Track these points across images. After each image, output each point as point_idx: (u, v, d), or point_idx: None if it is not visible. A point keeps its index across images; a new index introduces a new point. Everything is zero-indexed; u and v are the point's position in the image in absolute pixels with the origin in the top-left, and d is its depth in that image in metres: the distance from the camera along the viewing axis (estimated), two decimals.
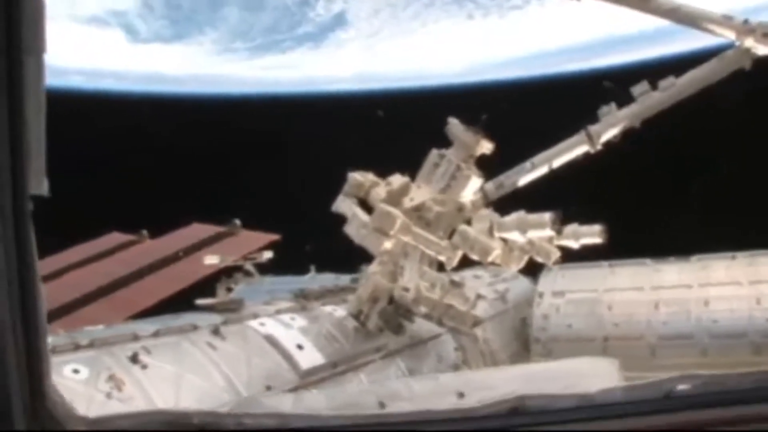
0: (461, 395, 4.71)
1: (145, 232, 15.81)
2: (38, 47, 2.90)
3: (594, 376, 5.10)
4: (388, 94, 29.00)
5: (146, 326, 6.83)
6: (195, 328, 6.98)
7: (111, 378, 5.61)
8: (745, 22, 7.83)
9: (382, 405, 4.57)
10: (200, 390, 6.13)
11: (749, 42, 7.80)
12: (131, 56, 31.75)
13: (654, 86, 8.30)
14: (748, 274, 10.68)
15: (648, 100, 8.28)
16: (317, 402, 4.89)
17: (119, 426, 3.44)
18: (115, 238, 15.88)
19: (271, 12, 33.33)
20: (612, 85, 8.66)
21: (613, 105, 8.41)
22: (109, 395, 5.46)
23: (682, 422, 3.02)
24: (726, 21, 7.93)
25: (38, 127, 2.94)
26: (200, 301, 8.39)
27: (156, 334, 6.59)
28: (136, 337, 6.36)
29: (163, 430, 3.32)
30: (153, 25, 32.18)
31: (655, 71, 8.57)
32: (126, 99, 29.71)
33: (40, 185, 2.98)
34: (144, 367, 5.95)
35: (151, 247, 15.18)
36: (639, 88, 8.33)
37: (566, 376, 5.00)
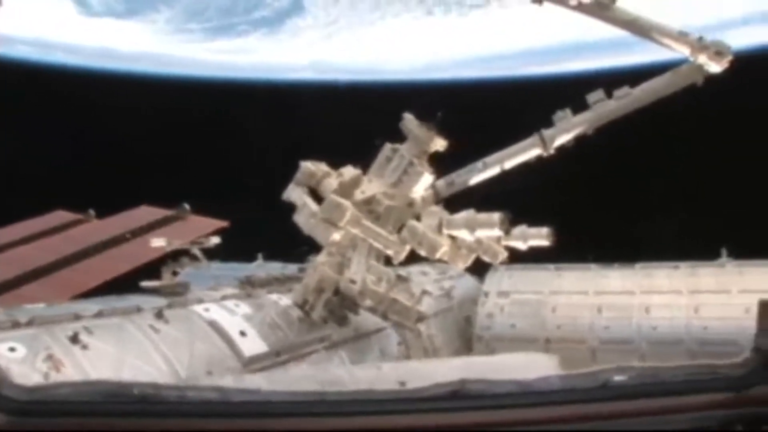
0: (402, 384, 4.75)
1: (92, 211, 15.58)
2: None
3: (533, 369, 5.18)
4: (347, 85, 28.89)
5: (89, 306, 6.75)
6: (139, 310, 6.91)
7: (49, 357, 5.50)
8: (700, 39, 7.99)
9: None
10: (141, 373, 6.04)
11: (702, 59, 7.97)
12: (82, 29, 30.96)
13: (609, 95, 8.43)
14: (688, 284, 10.91)
15: (602, 108, 8.39)
16: (258, 385, 4.89)
17: (59, 395, 3.41)
18: (61, 216, 15.60)
19: None
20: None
21: (568, 110, 8.51)
22: (46, 375, 5.34)
23: (617, 410, 3.10)
24: (681, 37, 8.07)
25: None
26: (145, 284, 8.31)
27: (98, 315, 6.51)
28: (77, 317, 6.26)
29: (104, 400, 3.30)
30: None
31: (610, 80, 8.70)
32: (76, 74, 29.02)
33: None
34: (84, 347, 5.85)
35: (97, 227, 14.95)
36: (594, 96, 8.44)
37: (507, 369, 5.07)
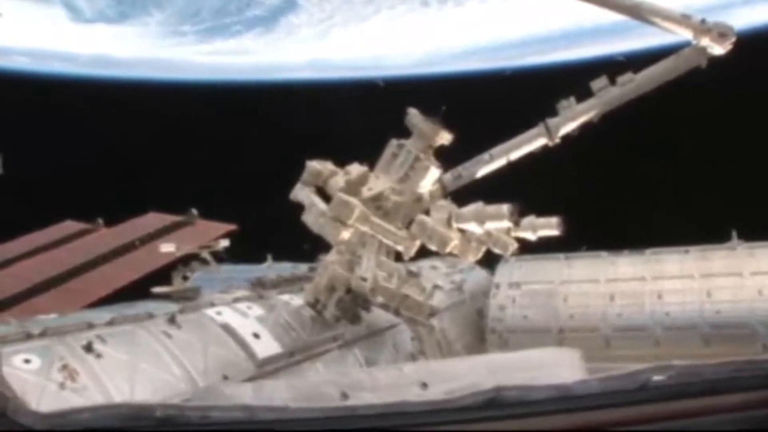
0: (424, 385, 4.71)
1: (100, 220, 15.58)
2: None
3: (557, 366, 5.13)
4: (345, 83, 28.81)
5: (101, 315, 6.73)
6: (151, 316, 6.90)
7: (64, 368, 5.50)
8: (703, 21, 7.94)
9: (344, 395, 4.55)
10: (156, 379, 6.06)
11: (705, 41, 7.92)
12: (75, 37, 30.72)
13: (613, 81, 8.39)
14: (699, 268, 10.89)
15: (606, 95, 8.36)
16: (278, 391, 4.85)
17: (78, 421, 3.32)
18: (69, 226, 15.60)
19: None
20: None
21: (572, 99, 8.48)
22: (62, 385, 5.35)
23: (658, 413, 3.05)
24: (684, 20, 8.03)
25: None
26: (156, 290, 8.31)
27: (111, 323, 6.50)
28: (90, 326, 6.25)
29: (125, 425, 3.23)
30: (96, 3, 31.12)
31: (614, 66, 8.66)
32: (74, 82, 28.91)
33: None
34: (98, 356, 5.85)
35: (106, 236, 14.95)
36: (598, 83, 8.41)
37: (530, 367, 5.02)
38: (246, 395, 4.69)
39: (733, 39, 7.90)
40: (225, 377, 6.61)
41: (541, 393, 3.19)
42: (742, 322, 10.09)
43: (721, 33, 7.87)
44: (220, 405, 3.57)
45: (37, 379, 5.27)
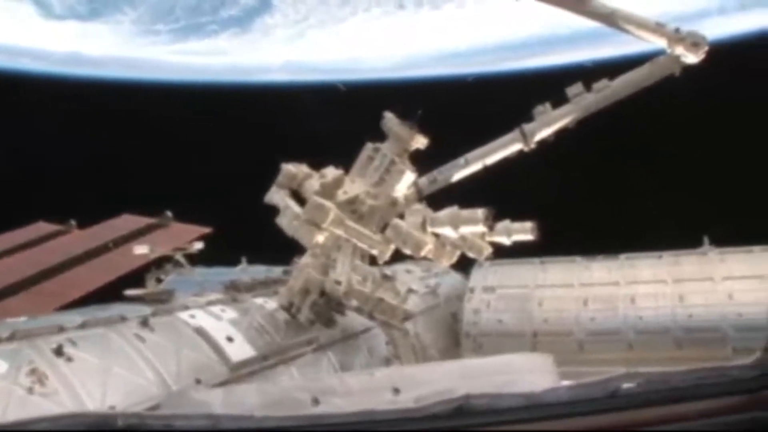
0: (397, 391, 4.70)
1: (73, 222, 15.44)
2: None
3: (530, 371, 5.13)
4: (321, 85, 28.73)
5: (72, 318, 6.64)
6: (123, 319, 6.82)
7: (33, 372, 5.40)
8: (676, 30, 8.02)
9: (315, 401, 4.53)
10: (128, 383, 5.98)
11: (679, 50, 8.00)
12: (46, 34, 30.23)
13: (588, 88, 8.44)
14: (672, 273, 11.04)
15: (582, 101, 8.41)
16: (248, 397, 4.82)
17: (37, 429, 3.27)
18: (41, 228, 15.44)
19: None
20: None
21: (548, 105, 8.52)
22: (30, 390, 5.24)
23: (627, 421, 3.05)
24: (658, 29, 8.10)
25: None
26: (129, 292, 8.24)
27: (82, 326, 6.40)
28: (61, 329, 6.15)
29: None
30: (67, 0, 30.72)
31: (590, 72, 8.71)
32: (45, 80, 28.48)
33: None
34: (69, 359, 5.75)
35: (79, 238, 14.81)
36: (573, 90, 8.46)
37: (502, 372, 5.02)
38: (216, 401, 4.65)
39: (706, 48, 7.99)
40: (198, 381, 6.56)
41: (510, 401, 3.18)
42: (714, 326, 10.24)
43: (694, 42, 7.95)
44: (184, 414, 3.52)
45: (4, 383, 5.16)
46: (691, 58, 8.01)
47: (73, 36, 30.61)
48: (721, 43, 9.19)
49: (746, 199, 18.07)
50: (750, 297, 10.24)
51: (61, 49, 30.17)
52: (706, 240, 11.49)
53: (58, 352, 5.76)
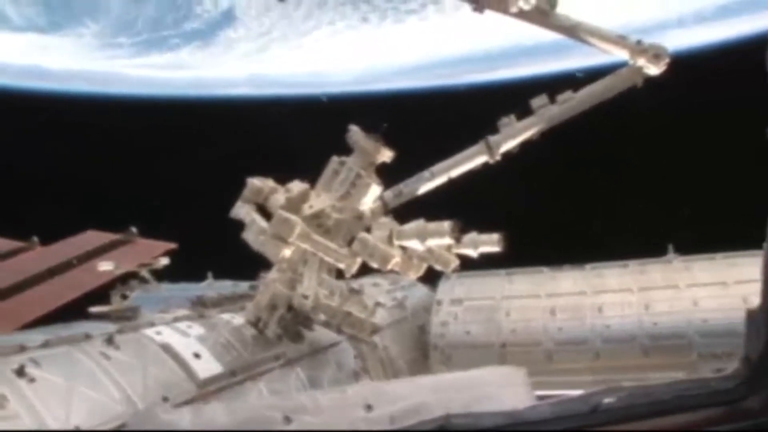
0: (369, 407, 4.67)
1: (35, 238, 15.23)
2: None
3: (503, 385, 5.12)
4: (285, 99, 28.66)
5: (35, 337, 6.51)
6: (88, 337, 6.70)
7: None
8: (638, 43, 8.12)
9: (287, 419, 4.49)
10: (93, 403, 5.87)
11: (641, 62, 8.10)
12: (4, 46, 29.68)
13: (552, 99, 8.50)
14: (638, 281, 11.16)
15: (546, 113, 8.47)
16: (218, 416, 4.76)
17: None
18: (2, 244, 15.21)
19: (155, 4, 31.53)
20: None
21: (512, 116, 8.56)
22: None
23: None
24: (620, 41, 8.19)
25: None
26: (94, 309, 8.13)
27: (45, 345, 6.28)
28: (22, 349, 6.02)
29: None
30: (25, 11, 30.10)
31: (553, 84, 8.78)
32: (3, 94, 27.93)
33: None
34: (31, 380, 5.61)
35: (42, 254, 14.61)
36: (538, 101, 8.51)
37: (475, 386, 5.00)
38: (184, 421, 4.59)
39: (668, 60, 8.09)
40: (165, 399, 6.48)
41: (492, 420, 3.17)
42: (679, 333, 10.36)
43: (656, 54, 8.05)
44: None
45: None
46: (653, 70, 8.11)
47: (32, 49, 30.10)
48: (681, 55, 9.30)
49: (707, 206, 18.34)
50: (714, 303, 10.38)
51: (19, 61, 29.69)
52: (670, 248, 11.62)
53: (20, 372, 5.62)
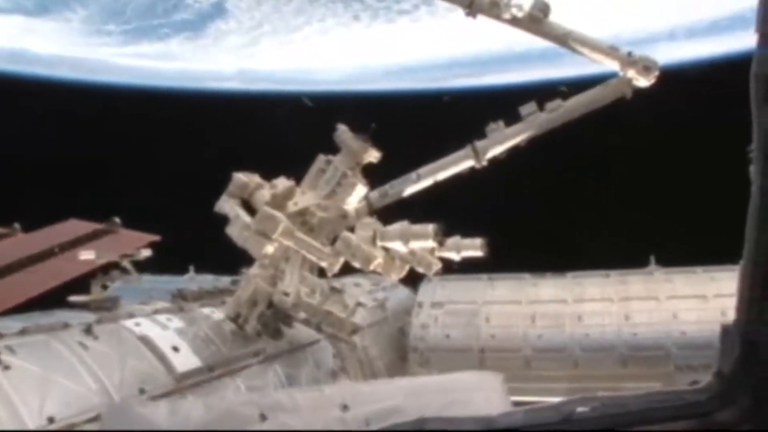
0: (345, 408, 4.67)
1: (17, 225, 15.12)
2: None
3: (479, 390, 5.12)
4: (273, 95, 28.50)
5: (12, 324, 6.48)
6: (66, 326, 6.68)
7: None
8: (629, 54, 8.15)
9: (263, 417, 4.48)
10: (69, 393, 5.83)
11: (631, 73, 8.13)
12: None
13: (541, 107, 8.52)
14: (619, 291, 11.20)
15: (534, 120, 8.48)
16: (194, 411, 4.74)
17: None
18: None
19: None
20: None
21: (500, 122, 8.57)
22: None
23: None
24: (611, 52, 8.22)
25: None
26: (73, 298, 8.09)
27: (22, 333, 6.26)
28: None
29: None
30: None
31: (543, 92, 8.79)
32: None
33: None
34: (6, 368, 5.58)
35: (23, 242, 14.51)
36: (527, 109, 8.52)
37: (451, 390, 5.01)
38: (159, 414, 4.57)
39: (657, 72, 8.13)
40: (142, 391, 6.46)
41: (466, 425, 3.17)
42: (657, 344, 10.42)
43: (646, 66, 8.08)
44: None
45: None
46: (643, 82, 8.15)
47: (18, 31, 29.52)
48: (671, 68, 9.33)
49: (690, 219, 18.43)
50: (693, 316, 10.45)
51: (4, 44, 29.25)
52: (652, 260, 11.67)
53: None
